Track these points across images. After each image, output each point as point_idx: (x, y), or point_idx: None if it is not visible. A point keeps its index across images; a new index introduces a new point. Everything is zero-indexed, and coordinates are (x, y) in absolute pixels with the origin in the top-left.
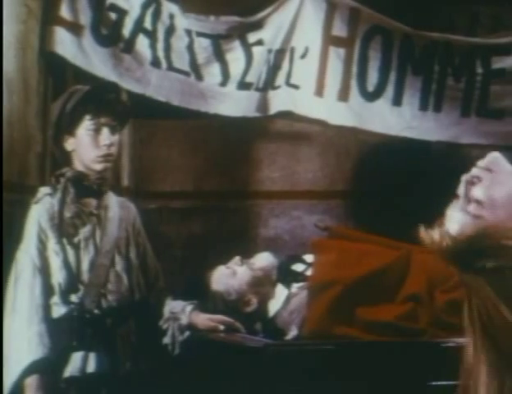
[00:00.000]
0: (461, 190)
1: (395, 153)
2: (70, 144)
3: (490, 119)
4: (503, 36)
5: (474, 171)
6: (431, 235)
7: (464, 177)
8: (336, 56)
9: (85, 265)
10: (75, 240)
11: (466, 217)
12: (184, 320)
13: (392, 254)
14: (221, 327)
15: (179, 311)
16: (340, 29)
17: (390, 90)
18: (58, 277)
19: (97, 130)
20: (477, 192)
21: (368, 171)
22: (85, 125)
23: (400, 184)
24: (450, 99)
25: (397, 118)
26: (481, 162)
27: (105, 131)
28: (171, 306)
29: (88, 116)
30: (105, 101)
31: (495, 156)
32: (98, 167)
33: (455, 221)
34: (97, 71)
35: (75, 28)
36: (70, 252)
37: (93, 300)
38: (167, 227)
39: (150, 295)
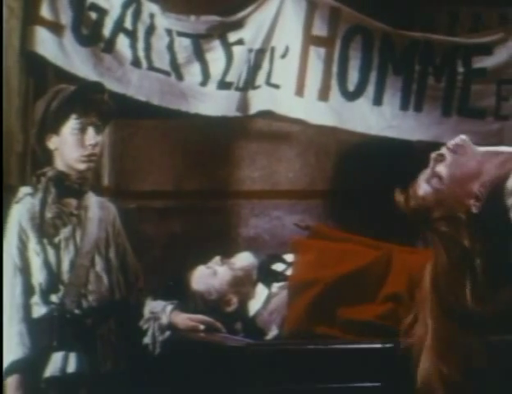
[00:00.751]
0: (430, 164)
1: (375, 152)
2: (53, 142)
3: (471, 118)
4: (484, 36)
5: (442, 150)
6: (402, 196)
7: (433, 154)
8: (316, 55)
9: (66, 265)
10: (56, 240)
11: (429, 188)
12: (164, 320)
13: (373, 253)
14: (202, 327)
15: (159, 311)
16: (320, 29)
17: (370, 90)
18: (39, 277)
19: (82, 130)
20: (441, 169)
21: (348, 171)
22: (71, 125)
23: (380, 183)
24: (430, 99)
25: (378, 118)
26: (449, 143)
27: (90, 131)
28: (152, 306)
29: (74, 116)
30: (91, 101)
31: (462, 139)
32: (82, 166)
33: (421, 189)
34: (77, 70)
35: (55, 28)
36: (51, 252)
37: (74, 300)
38: (147, 227)
39: (130, 295)
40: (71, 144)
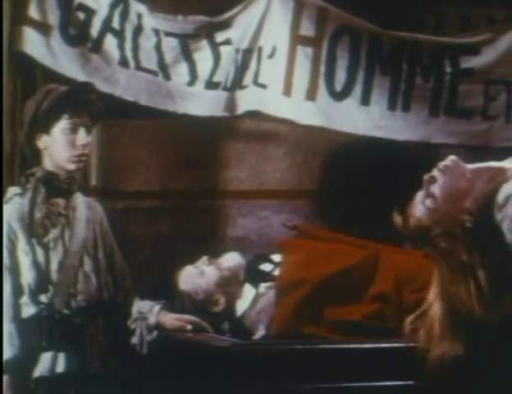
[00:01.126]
0: (423, 186)
1: (363, 152)
2: (42, 142)
3: (458, 118)
4: (471, 36)
5: (433, 171)
6: (401, 218)
7: (425, 176)
8: (303, 55)
9: (54, 265)
10: (45, 240)
11: (424, 209)
12: (152, 320)
13: (360, 253)
14: (189, 327)
15: (147, 311)
16: (307, 29)
17: (358, 90)
18: (28, 277)
19: (74, 130)
20: (434, 189)
21: (336, 171)
22: (62, 125)
23: (368, 183)
24: (418, 99)
25: (365, 118)
26: (440, 164)
27: (82, 131)
28: (139, 306)
29: (65, 116)
30: (83, 101)
31: (452, 159)
32: (72, 166)
33: (417, 210)
34: (65, 70)
35: (43, 28)
36: (40, 252)
37: (63, 300)
38: (135, 227)
39: (118, 295)
40: (62, 144)
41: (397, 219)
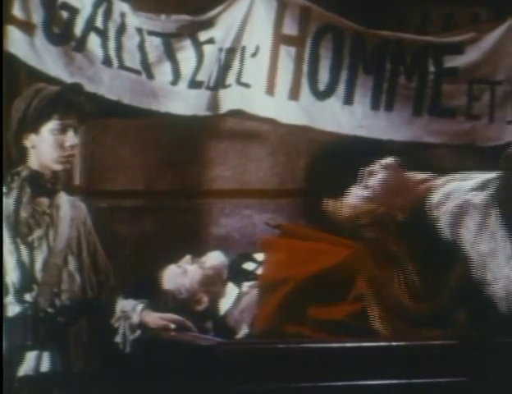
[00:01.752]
0: (363, 177)
1: (346, 152)
2: (30, 141)
3: (442, 118)
4: (455, 35)
5: (374, 166)
6: (334, 204)
7: (366, 169)
8: (286, 54)
9: (39, 264)
10: (29, 239)
11: (359, 198)
12: (135, 319)
13: (343, 252)
14: (172, 326)
15: (130, 310)
16: (290, 28)
17: (341, 89)
18: (12, 276)
19: (62, 131)
20: (372, 182)
21: (319, 170)
22: (51, 125)
23: (351, 183)
24: (401, 98)
25: (348, 117)
26: (381, 161)
27: (70, 132)
28: (123, 305)
29: (55, 116)
30: (73, 102)
31: (392, 159)
32: (58, 167)
33: (352, 199)
34: (49, 69)
35: (27, 27)
36: (24, 251)
37: (47, 299)
38: (119, 226)
39: (101, 294)
40: (50, 145)
41: (330, 205)
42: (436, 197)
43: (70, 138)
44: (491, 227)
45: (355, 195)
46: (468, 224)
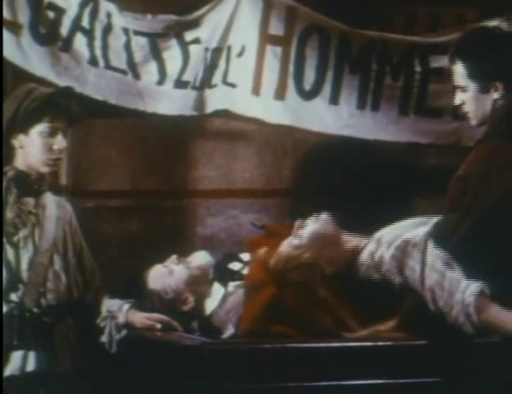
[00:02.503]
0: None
1: (332, 152)
2: (18, 140)
3: (428, 118)
4: (441, 35)
5: (306, 221)
6: (265, 253)
7: (297, 222)
8: (272, 54)
9: (25, 264)
10: (15, 239)
11: (289, 246)
12: (121, 319)
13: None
14: (158, 326)
15: (116, 310)
16: (276, 28)
17: (327, 89)
18: None
19: (52, 134)
20: (301, 232)
21: (305, 170)
22: (41, 127)
23: (337, 183)
24: (388, 98)
25: (334, 117)
26: (314, 215)
27: (59, 136)
28: (108, 305)
29: (46, 119)
30: (64, 106)
31: (324, 214)
32: (46, 169)
33: (283, 247)
34: (35, 69)
35: (13, 27)
36: (10, 251)
37: (33, 298)
38: (104, 226)
39: (87, 294)
40: (39, 147)
41: (261, 254)
42: (369, 247)
43: (59, 141)
44: (431, 260)
45: (287, 244)
46: (411, 263)
